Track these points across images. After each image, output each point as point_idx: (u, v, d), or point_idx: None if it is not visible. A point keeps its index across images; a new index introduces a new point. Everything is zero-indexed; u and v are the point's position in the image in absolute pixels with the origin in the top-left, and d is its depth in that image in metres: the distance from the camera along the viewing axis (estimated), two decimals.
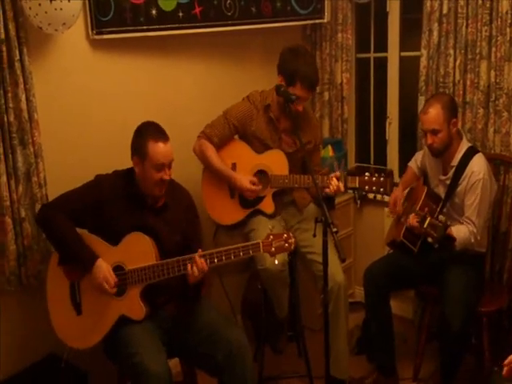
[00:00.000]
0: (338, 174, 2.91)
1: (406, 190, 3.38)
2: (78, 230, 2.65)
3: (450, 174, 3.12)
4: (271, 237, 2.49)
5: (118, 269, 2.58)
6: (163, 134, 2.60)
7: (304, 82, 2.93)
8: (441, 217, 2.92)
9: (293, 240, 2.51)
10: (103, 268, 2.54)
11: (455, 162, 3.09)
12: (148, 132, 2.59)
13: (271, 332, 3.34)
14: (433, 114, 3.01)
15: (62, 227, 2.57)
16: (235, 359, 2.56)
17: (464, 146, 3.12)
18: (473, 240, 2.98)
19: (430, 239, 2.93)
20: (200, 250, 2.53)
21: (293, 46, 3.06)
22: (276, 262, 2.54)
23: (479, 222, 2.99)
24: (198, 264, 2.49)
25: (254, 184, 3.05)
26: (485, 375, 3.11)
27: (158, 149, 2.55)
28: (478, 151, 3.12)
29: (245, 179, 3.04)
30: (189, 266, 2.50)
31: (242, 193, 3.08)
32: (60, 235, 2.58)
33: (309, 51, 3.13)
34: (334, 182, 2.86)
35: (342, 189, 2.89)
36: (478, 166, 3.02)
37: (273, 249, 2.49)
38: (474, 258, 3.14)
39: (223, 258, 2.50)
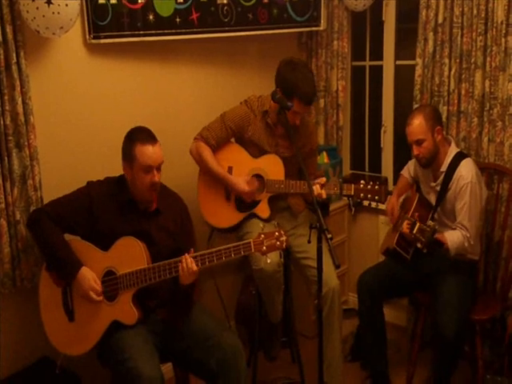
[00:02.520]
0: (322, 180, 2.94)
1: (402, 197, 3.40)
2: (71, 236, 2.65)
3: (440, 179, 3.14)
4: (262, 236, 2.47)
5: (109, 274, 2.58)
6: (151, 138, 2.60)
7: (302, 98, 2.92)
8: (429, 222, 2.95)
9: (284, 238, 2.49)
10: (88, 276, 2.54)
11: (444, 167, 3.12)
12: (136, 136, 2.60)
13: (265, 338, 3.33)
14: (415, 125, 3.05)
15: (49, 233, 2.58)
16: (229, 365, 2.55)
17: (452, 151, 3.14)
18: (466, 244, 3.00)
19: (418, 244, 2.97)
20: (192, 250, 2.53)
21: (290, 60, 3.02)
22: (268, 260, 2.53)
23: (471, 225, 3.01)
24: (187, 263, 2.47)
25: (249, 183, 3.05)
26: (478, 383, 3.12)
27: (146, 151, 2.55)
28: (466, 156, 3.14)
29: (242, 182, 3.05)
30: (180, 266, 2.48)
31: (239, 196, 3.09)
32: (47, 241, 2.58)
33: (306, 64, 3.12)
34: (316, 188, 2.87)
35: (324, 196, 2.90)
36: (466, 170, 3.04)
37: (264, 247, 2.47)
38: (467, 266, 3.15)
39: (214, 259, 2.49)
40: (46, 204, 2.68)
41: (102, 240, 2.60)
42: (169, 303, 2.70)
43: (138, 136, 2.59)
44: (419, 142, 3.06)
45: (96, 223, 2.61)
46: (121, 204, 2.65)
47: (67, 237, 2.65)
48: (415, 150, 3.09)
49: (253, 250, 2.48)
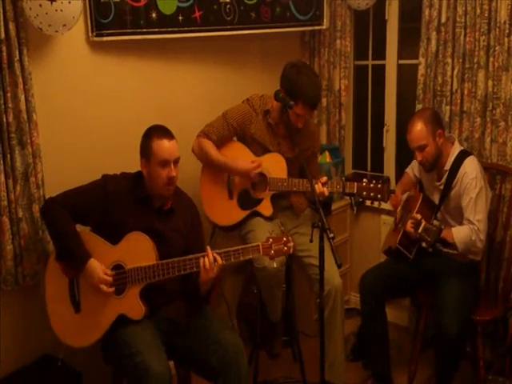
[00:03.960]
0: (323, 179, 2.94)
1: (406, 195, 3.39)
2: (80, 227, 2.65)
3: (444, 178, 3.14)
4: (271, 240, 2.50)
5: (117, 267, 2.58)
6: (168, 133, 2.63)
7: (307, 101, 2.93)
8: (435, 221, 2.94)
9: (292, 244, 2.52)
10: (97, 268, 2.54)
11: (448, 165, 3.12)
12: (153, 132, 2.63)
13: (266, 336, 3.33)
14: (416, 131, 3.05)
15: (61, 222, 2.58)
16: (230, 363, 2.54)
17: (456, 149, 3.14)
18: (474, 238, 2.98)
19: (424, 244, 2.96)
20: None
21: (296, 62, 3.05)
22: (274, 265, 2.54)
23: (479, 219, 2.99)
24: (209, 257, 2.48)
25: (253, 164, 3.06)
26: (479, 383, 3.12)
27: (163, 145, 2.58)
28: (469, 154, 3.14)
29: (245, 162, 3.05)
30: (201, 260, 2.49)
31: (248, 177, 3.06)
32: (58, 229, 2.58)
33: (311, 68, 3.13)
34: (318, 186, 2.89)
35: (326, 193, 2.91)
36: (470, 167, 3.04)
37: (272, 252, 2.50)
38: (469, 267, 3.15)
39: (223, 259, 2.50)
40: (61, 193, 2.66)
41: (113, 233, 2.60)
42: (175, 301, 2.71)
43: (155, 132, 2.63)
44: (422, 148, 3.05)
45: (109, 216, 2.61)
46: (136, 200, 2.65)
47: (79, 228, 2.65)
48: (418, 156, 3.09)
49: (261, 253, 2.51)
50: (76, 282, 2.62)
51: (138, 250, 2.56)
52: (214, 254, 2.50)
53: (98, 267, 2.54)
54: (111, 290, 2.55)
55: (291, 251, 2.53)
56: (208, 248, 2.52)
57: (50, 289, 2.66)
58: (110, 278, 2.55)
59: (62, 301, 2.63)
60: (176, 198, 2.74)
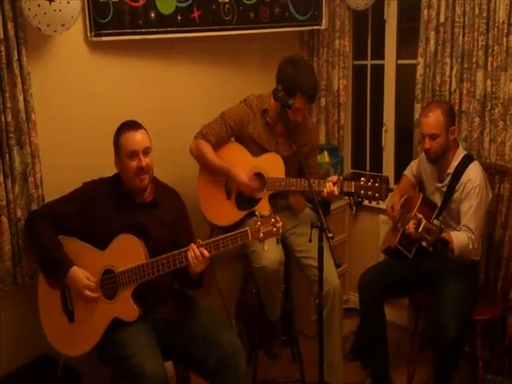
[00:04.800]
0: (334, 178, 2.93)
1: (403, 198, 3.39)
2: (67, 237, 2.66)
3: (446, 181, 3.13)
4: (259, 223, 2.47)
5: (107, 272, 2.58)
6: (135, 125, 2.64)
7: (304, 94, 2.94)
8: (435, 221, 2.94)
9: (280, 224, 2.48)
10: (79, 275, 2.55)
11: (451, 169, 3.11)
12: (121, 128, 2.65)
13: (265, 335, 3.33)
14: (433, 119, 3.03)
15: (43, 233, 2.60)
16: (228, 363, 2.54)
17: (460, 154, 3.14)
18: (470, 246, 2.98)
19: (424, 243, 2.95)
20: (199, 241, 2.52)
21: (291, 57, 3.06)
22: (266, 247, 2.52)
23: (476, 227, 3.00)
24: (195, 251, 2.47)
25: (250, 178, 3.05)
26: (478, 383, 3.12)
27: (129, 137, 2.59)
28: (473, 159, 3.14)
29: (243, 173, 3.04)
30: (189, 254, 2.48)
31: (239, 186, 3.07)
32: (40, 240, 2.61)
33: (307, 61, 3.13)
34: (329, 185, 2.89)
35: (336, 193, 2.91)
36: (474, 173, 3.04)
37: (261, 234, 2.46)
38: (468, 267, 3.14)
39: (212, 249, 2.49)
40: (42, 206, 2.70)
41: (100, 238, 2.60)
42: (168, 300, 2.71)
43: (123, 126, 2.65)
44: (433, 137, 3.04)
45: (92, 223, 2.62)
46: (118, 198, 2.66)
47: (65, 238, 2.65)
48: (427, 144, 3.07)
49: (250, 238, 2.47)
50: (68, 292, 2.63)
51: (127, 252, 2.56)
52: (200, 249, 2.48)
53: (81, 273, 2.56)
54: (95, 295, 2.56)
55: (281, 231, 2.48)
56: (192, 245, 2.50)
57: (43, 301, 2.67)
58: (93, 284, 2.56)
59: (55, 312, 2.64)
60: (158, 192, 2.74)
